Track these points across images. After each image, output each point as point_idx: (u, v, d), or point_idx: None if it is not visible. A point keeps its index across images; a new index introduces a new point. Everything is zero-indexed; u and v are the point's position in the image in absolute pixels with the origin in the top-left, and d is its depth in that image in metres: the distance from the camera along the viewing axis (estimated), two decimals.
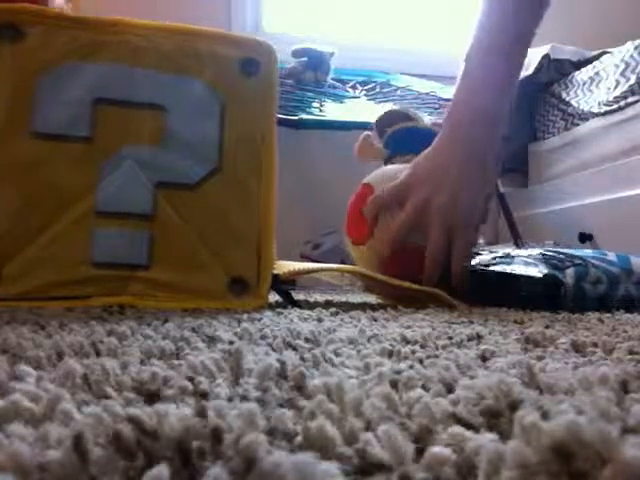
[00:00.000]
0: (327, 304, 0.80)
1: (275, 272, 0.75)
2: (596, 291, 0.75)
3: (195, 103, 0.73)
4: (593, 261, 0.77)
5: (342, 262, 1.71)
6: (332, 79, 1.96)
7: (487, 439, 0.17)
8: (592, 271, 0.75)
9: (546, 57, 2.01)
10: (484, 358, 0.33)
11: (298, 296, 1.00)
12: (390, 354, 0.35)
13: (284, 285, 0.81)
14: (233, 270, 0.72)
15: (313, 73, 1.90)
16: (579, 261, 0.76)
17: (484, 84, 0.81)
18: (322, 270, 0.90)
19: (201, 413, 0.19)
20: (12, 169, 0.67)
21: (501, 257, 0.84)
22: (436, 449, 0.16)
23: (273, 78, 0.76)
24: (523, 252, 0.84)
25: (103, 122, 0.70)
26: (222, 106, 0.73)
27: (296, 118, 1.66)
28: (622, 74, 1.73)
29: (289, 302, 0.77)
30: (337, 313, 0.63)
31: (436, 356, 0.33)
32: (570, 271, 0.75)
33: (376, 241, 0.84)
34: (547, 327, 0.50)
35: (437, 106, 1.91)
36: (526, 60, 2.16)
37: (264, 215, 0.74)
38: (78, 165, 0.69)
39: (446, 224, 0.79)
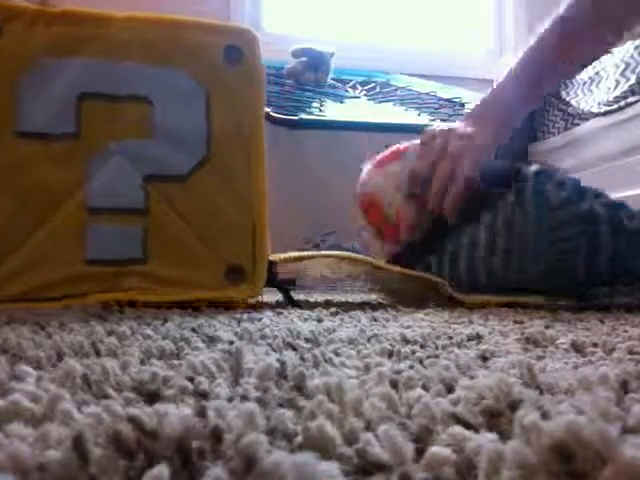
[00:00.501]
0: (327, 304, 0.80)
1: (271, 259, 0.74)
2: (559, 195, 0.77)
3: (180, 93, 0.72)
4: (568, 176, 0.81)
5: None
6: (332, 79, 1.96)
7: (487, 439, 0.17)
8: (558, 176, 0.79)
9: None
10: (484, 358, 0.33)
11: (298, 296, 0.99)
12: (390, 354, 0.35)
13: (284, 284, 0.81)
14: (229, 259, 0.72)
15: (313, 73, 1.90)
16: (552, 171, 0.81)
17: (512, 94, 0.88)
18: (318, 257, 0.89)
19: (201, 413, 0.19)
20: (1, 170, 0.67)
21: None
22: (436, 449, 0.16)
23: (257, 65, 0.75)
24: None
25: (89, 117, 0.69)
26: (207, 95, 0.73)
27: (296, 118, 1.66)
28: (622, 74, 1.73)
29: (288, 301, 0.77)
30: (337, 313, 0.63)
31: (436, 356, 0.33)
32: (534, 166, 0.80)
33: None
34: (547, 327, 0.50)
35: (437, 106, 1.91)
36: None
37: (257, 202, 0.74)
38: (66, 162, 0.68)
39: (456, 149, 0.83)
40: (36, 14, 0.70)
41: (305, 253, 0.86)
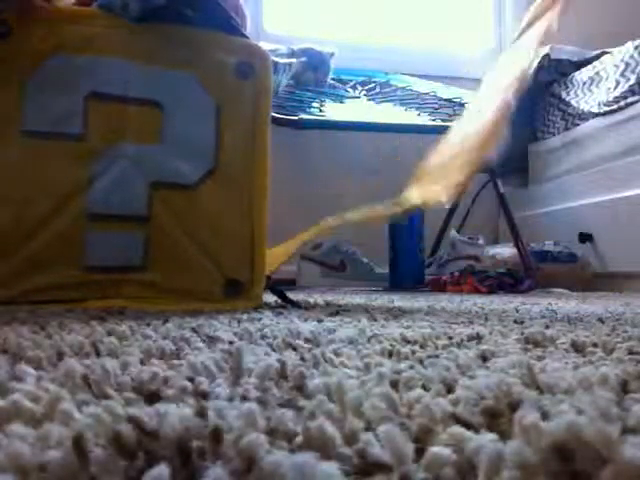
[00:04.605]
0: (327, 304, 0.80)
1: (267, 274, 0.74)
2: None
3: (192, 102, 0.72)
4: None
5: (341, 262, 1.71)
6: (332, 79, 1.96)
7: (487, 439, 0.17)
8: None
9: (546, 57, 2.01)
10: (484, 358, 0.33)
11: (298, 296, 0.99)
12: (390, 354, 0.34)
13: (281, 285, 0.81)
14: (228, 272, 0.71)
15: (313, 73, 1.90)
16: None
17: None
18: (303, 239, 0.90)
19: (201, 413, 0.19)
20: (4, 170, 0.66)
21: None
22: (436, 449, 0.16)
23: (267, 82, 0.76)
24: None
25: (96, 118, 0.68)
26: (218, 107, 0.73)
27: (296, 118, 1.66)
28: (622, 74, 1.73)
29: (286, 302, 0.77)
30: (337, 313, 0.63)
31: (436, 356, 0.33)
32: None
33: None
34: (547, 327, 0.50)
35: (437, 106, 1.91)
36: (526, 60, 2.17)
37: (257, 217, 0.73)
38: (71, 164, 0.67)
39: None
40: (47, 12, 0.69)
41: (291, 243, 0.86)
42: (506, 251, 1.84)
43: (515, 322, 0.56)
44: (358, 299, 0.98)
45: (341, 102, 1.87)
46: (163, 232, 0.70)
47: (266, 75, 0.76)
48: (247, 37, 0.77)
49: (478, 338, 0.43)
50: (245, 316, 0.58)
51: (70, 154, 0.67)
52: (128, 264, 0.69)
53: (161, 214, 0.70)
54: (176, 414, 0.17)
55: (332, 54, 1.93)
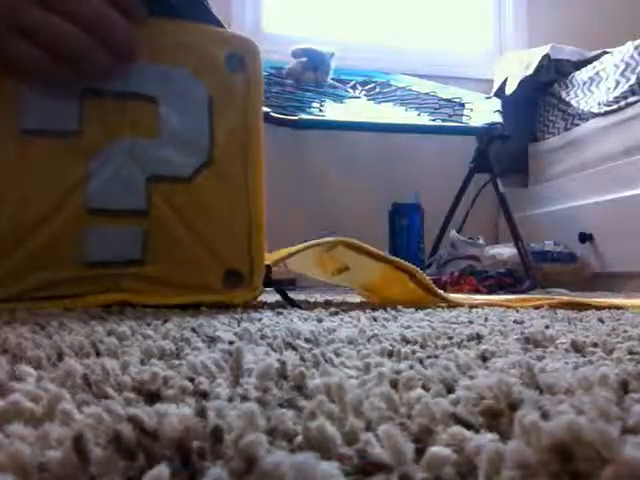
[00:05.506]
0: (327, 304, 0.80)
1: (266, 263, 0.75)
2: None
3: (185, 95, 0.72)
4: None
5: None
6: (332, 79, 1.96)
7: (487, 439, 0.17)
8: None
9: (546, 57, 2.01)
10: (484, 358, 0.33)
11: (298, 296, 1.00)
12: (390, 354, 0.34)
13: (283, 285, 0.81)
14: (227, 263, 0.71)
15: (313, 73, 1.90)
16: None
17: None
18: (308, 248, 0.89)
19: (201, 413, 0.19)
20: (1, 169, 0.66)
21: None
22: (436, 449, 0.16)
23: (258, 75, 0.76)
24: None
25: (92, 114, 0.68)
26: (210, 99, 0.73)
27: (296, 118, 1.66)
28: (622, 74, 1.73)
29: (288, 302, 0.77)
30: (337, 313, 0.63)
31: (436, 356, 0.33)
32: None
33: None
34: (547, 327, 0.50)
35: (437, 106, 1.91)
36: (526, 60, 2.18)
37: (254, 206, 0.74)
38: (68, 160, 0.67)
39: None
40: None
41: (295, 248, 0.86)
42: (506, 251, 1.84)
43: (515, 322, 0.56)
44: (358, 299, 0.98)
45: (341, 102, 1.88)
46: (162, 225, 0.70)
47: (256, 67, 0.76)
48: (224, 26, 0.78)
49: (478, 338, 0.43)
50: (245, 316, 0.58)
51: (67, 151, 0.67)
52: (128, 258, 0.69)
53: (159, 207, 0.70)
54: (176, 414, 0.17)
55: (332, 54, 1.93)
